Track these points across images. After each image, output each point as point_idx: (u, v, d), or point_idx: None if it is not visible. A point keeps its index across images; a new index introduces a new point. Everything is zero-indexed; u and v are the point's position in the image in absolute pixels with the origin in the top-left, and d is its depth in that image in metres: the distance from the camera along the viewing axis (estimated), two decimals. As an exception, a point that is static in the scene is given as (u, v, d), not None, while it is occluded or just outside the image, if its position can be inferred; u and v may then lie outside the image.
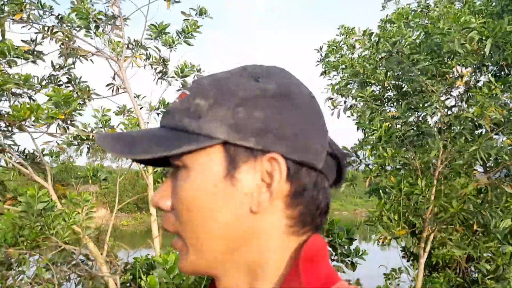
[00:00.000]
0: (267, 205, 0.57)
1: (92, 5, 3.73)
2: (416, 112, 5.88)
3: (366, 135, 5.70)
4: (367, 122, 4.99)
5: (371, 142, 4.79)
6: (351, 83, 7.14)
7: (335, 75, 7.24)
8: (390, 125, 4.84)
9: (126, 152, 0.55)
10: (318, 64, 7.39)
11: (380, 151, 4.56)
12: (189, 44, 4.15)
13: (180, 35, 4.17)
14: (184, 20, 4.27)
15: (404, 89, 6.64)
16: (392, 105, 6.99)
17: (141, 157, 0.55)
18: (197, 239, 0.57)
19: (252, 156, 0.57)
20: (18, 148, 3.65)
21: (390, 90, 6.97)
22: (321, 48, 7.38)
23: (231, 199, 0.56)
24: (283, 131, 0.57)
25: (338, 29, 7.21)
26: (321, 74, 7.41)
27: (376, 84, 6.78)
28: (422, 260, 4.71)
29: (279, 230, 0.59)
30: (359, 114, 6.19)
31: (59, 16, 3.82)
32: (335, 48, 7.08)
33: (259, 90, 0.57)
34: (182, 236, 0.59)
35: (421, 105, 5.19)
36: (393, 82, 6.63)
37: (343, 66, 6.98)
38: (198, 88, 0.59)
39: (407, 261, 7.13)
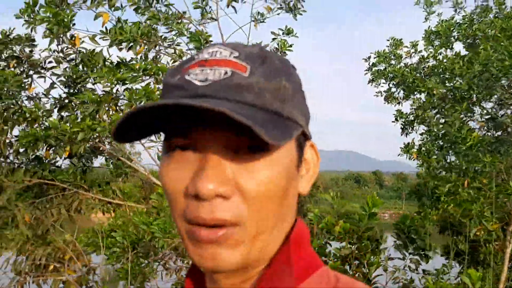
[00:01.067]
0: (307, 190, 0.60)
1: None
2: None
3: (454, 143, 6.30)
4: (455, 131, 5.53)
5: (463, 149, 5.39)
6: (399, 92, 7.67)
7: (383, 83, 7.77)
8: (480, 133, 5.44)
9: (273, 138, 0.47)
10: (366, 73, 7.91)
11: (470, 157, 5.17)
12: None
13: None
14: (273, 39, 4.83)
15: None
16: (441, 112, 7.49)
17: (282, 143, 0.49)
18: (266, 225, 0.53)
19: (305, 143, 0.60)
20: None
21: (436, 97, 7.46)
22: (369, 58, 7.90)
23: (296, 183, 0.58)
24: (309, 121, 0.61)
25: (388, 40, 7.72)
26: (369, 82, 7.95)
27: (425, 91, 7.28)
28: (508, 250, 5.22)
29: (294, 214, 0.60)
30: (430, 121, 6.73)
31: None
32: (385, 58, 7.59)
33: (300, 79, 0.60)
34: (246, 224, 0.52)
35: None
36: (442, 90, 7.12)
37: (392, 75, 7.49)
38: (273, 66, 0.55)
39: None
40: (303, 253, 0.59)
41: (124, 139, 0.55)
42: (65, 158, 3.93)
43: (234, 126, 0.48)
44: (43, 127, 3.59)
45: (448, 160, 7.48)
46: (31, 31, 4.02)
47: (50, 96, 4.48)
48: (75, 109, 4.48)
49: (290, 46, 4.60)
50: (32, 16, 3.96)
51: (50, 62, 4.21)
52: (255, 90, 0.52)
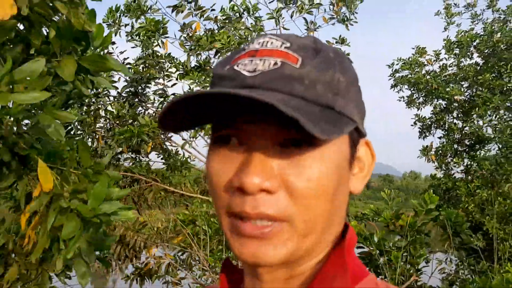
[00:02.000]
0: (359, 190, 0.58)
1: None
2: None
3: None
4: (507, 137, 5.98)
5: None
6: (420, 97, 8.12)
7: (406, 88, 8.22)
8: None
9: (319, 131, 0.45)
10: (390, 79, 8.34)
11: None
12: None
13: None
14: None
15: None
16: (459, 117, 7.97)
17: (331, 137, 0.46)
18: (316, 223, 0.52)
19: (359, 140, 0.57)
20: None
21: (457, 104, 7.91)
22: (392, 64, 8.33)
23: (347, 181, 0.56)
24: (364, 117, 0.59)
25: (413, 48, 8.16)
26: (392, 87, 8.38)
27: (446, 97, 7.73)
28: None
29: (344, 214, 0.59)
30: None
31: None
32: (410, 65, 8.03)
33: (356, 74, 0.57)
34: (294, 221, 0.50)
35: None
36: (461, 97, 7.59)
37: (414, 81, 7.93)
38: (327, 58, 0.53)
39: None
40: (354, 259, 0.58)
41: (170, 127, 0.54)
42: (148, 153, 4.25)
43: (282, 118, 0.45)
44: (137, 124, 3.91)
45: (465, 164, 7.95)
46: (115, 34, 4.33)
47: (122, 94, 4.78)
48: (143, 107, 4.78)
49: (348, 54, 4.98)
50: (115, 21, 4.27)
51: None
52: (306, 82, 0.50)
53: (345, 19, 5.21)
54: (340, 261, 0.55)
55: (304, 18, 4.79)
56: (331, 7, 5.08)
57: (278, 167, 0.50)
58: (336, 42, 5.17)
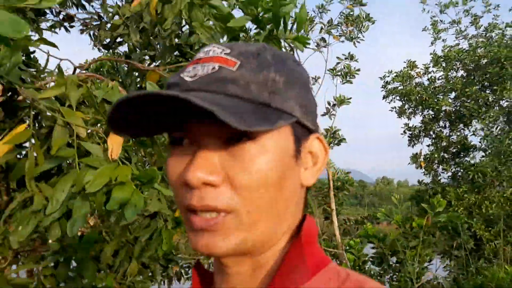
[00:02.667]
0: (312, 182, 0.61)
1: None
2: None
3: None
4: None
5: None
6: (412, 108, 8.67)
7: (397, 99, 8.76)
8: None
9: (242, 123, 0.48)
10: (382, 90, 8.87)
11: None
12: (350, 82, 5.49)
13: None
14: (337, 63, 5.62)
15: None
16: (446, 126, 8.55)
17: (256, 129, 0.49)
18: (260, 213, 0.54)
19: (307, 135, 0.60)
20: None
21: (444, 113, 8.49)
22: (384, 76, 8.86)
23: (295, 174, 0.58)
24: (316, 113, 0.62)
25: (405, 62, 8.72)
26: (383, 98, 8.92)
27: (434, 108, 8.29)
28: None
29: (300, 206, 0.62)
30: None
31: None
32: (402, 77, 8.57)
33: (303, 74, 0.62)
34: (238, 212, 0.53)
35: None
36: (450, 108, 8.16)
37: (406, 93, 8.47)
38: (263, 60, 0.57)
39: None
40: (314, 249, 0.60)
41: (122, 130, 0.58)
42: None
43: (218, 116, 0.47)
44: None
45: (452, 170, 8.51)
46: None
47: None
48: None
49: (358, 70, 5.41)
50: None
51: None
52: (241, 83, 0.53)
53: (353, 37, 5.63)
54: (298, 252, 0.58)
55: (323, 38, 5.19)
56: (342, 26, 5.51)
57: (221, 162, 0.54)
58: (346, 58, 5.58)
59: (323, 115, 5.99)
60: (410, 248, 4.58)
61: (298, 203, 0.61)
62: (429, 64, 8.73)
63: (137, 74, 2.41)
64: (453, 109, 8.39)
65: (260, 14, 1.50)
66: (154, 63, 2.33)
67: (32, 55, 1.78)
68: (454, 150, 8.68)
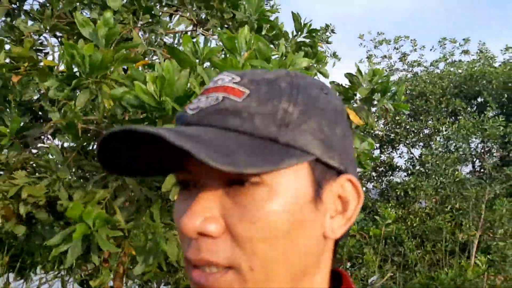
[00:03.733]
0: (339, 233, 0.51)
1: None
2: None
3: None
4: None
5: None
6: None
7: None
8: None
9: (227, 163, 0.41)
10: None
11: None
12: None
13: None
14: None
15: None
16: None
17: (247, 171, 0.42)
18: (266, 271, 0.46)
19: (333, 176, 0.51)
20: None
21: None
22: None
23: (314, 223, 0.49)
24: (351, 152, 0.54)
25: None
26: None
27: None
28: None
29: (329, 259, 0.54)
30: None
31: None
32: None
33: (331, 104, 0.52)
34: (240, 268, 0.45)
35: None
36: (380, 132, 9.29)
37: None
38: (275, 88, 0.49)
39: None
40: None
41: (117, 170, 0.52)
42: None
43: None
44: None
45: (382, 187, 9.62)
46: None
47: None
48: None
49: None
50: None
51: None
52: (244, 115, 0.47)
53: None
54: None
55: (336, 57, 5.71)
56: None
57: (221, 208, 0.46)
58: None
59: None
60: (363, 254, 5.40)
61: (322, 257, 0.52)
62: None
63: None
64: (384, 134, 9.54)
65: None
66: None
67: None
68: (381, 169, 9.82)
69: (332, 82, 2.44)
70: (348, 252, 5.46)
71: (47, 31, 2.41)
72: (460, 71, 9.74)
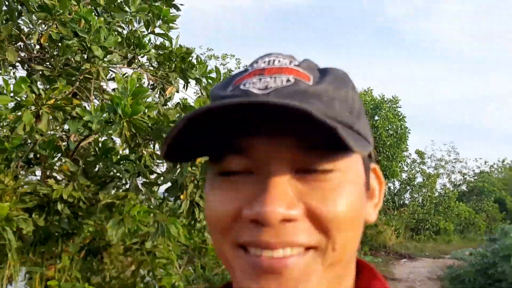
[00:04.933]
0: (373, 218, 0.54)
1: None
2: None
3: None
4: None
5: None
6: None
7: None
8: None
9: (362, 147, 0.44)
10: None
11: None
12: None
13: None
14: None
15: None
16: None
17: (359, 150, 0.41)
18: (345, 250, 0.46)
19: (369, 166, 0.53)
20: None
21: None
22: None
23: (365, 208, 0.51)
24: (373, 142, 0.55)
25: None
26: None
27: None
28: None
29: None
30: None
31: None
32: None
33: (361, 100, 0.53)
34: (322, 248, 0.45)
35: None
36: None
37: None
38: (338, 77, 0.49)
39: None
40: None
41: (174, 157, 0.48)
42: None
43: (301, 138, 0.41)
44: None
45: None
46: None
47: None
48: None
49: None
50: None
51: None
52: (324, 99, 0.45)
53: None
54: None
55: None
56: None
57: (298, 194, 0.45)
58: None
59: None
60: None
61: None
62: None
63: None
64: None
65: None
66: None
67: None
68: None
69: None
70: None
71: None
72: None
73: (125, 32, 3.09)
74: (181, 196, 2.31)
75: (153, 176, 2.71)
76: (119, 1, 2.89)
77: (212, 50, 11.89)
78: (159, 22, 2.94)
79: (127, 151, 2.88)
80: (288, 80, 0.46)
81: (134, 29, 3.08)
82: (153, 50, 3.27)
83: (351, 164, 0.48)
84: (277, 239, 0.43)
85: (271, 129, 0.43)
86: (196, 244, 5.20)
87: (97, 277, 3.30)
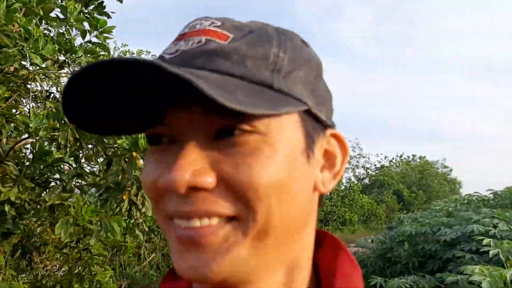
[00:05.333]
0: (329, 188, 0.50)
1: None
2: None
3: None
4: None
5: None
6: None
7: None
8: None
9: (233, 101, 0.36)
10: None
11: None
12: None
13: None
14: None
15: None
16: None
17: (254, 112, 0.37)
18: (269, 221, 0.42)
19: (321, 130, 0.49)
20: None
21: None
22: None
23: (307, 177, 0.47)
24: (331, 107, 0.52)
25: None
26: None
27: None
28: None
29: (314, 219, 0.51)
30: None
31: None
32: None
33: (314, 57, 0.50)
34: (242, 219, 0.42)
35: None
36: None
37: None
38: (263, 34, 0.46)
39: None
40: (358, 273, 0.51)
41: (85, 123, 0.46)
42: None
43: (213, 104, 0.36)
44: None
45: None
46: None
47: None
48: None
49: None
50: None
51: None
52: (234, 58, 0.42)
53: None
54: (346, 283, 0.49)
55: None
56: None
57: (211, 161, 0.42)
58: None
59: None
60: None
61: (312, 214, 0.49)
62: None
63: None
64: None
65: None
66: None
67: None
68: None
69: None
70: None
71: None
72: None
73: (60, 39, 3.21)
74: (124, 197, 2.53)
75: (89, 178, 2.90)
76: (56, 11, 3.02)
77: (127, 45, 11.34)
78: (95, 32, 3.10)
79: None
80: (199, 42, 0.44)
81: (69, 38, 3.20)
82: (84, 56, 3.37)
83: (275, 126, 0.43)
84: (191, 208, 0.41)
85: (185, 95, 0.42)
86: (116, 242, 5.30)
87: (28, 275, 3.40)
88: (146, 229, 5.27)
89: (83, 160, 3.02)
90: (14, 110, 2.56)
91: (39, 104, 3.39)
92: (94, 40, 3.07)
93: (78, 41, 3.19)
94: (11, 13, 2.43)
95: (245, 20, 0.50)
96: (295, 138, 0.45)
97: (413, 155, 30.09)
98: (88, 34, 3.05)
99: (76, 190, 2.83)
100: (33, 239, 3.33)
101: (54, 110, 2.55)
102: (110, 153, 2.71)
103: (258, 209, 0.42)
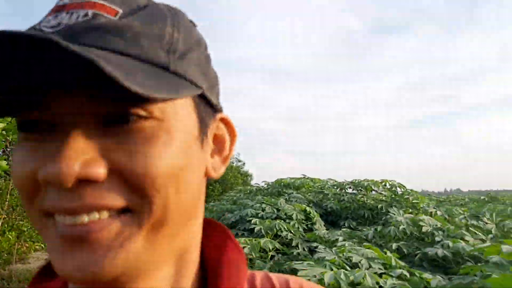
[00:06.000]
0: (220, 173, 0.49)
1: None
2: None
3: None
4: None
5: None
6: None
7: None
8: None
9: (135, 83, 0.33)
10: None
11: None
12: None
13: None
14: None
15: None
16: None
17: (156, 96, 0.34)
18: (166, 211, 0.40)
19: (212, 114, 0.48)
20: None
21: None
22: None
23: (201, 163, 0.45)
24: (219, 89, 0.50)
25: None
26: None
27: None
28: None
29: (202, 206, 0.49)
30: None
31: None
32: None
33: (202, 39, 0.48)
34: (139, 210, 0.38)
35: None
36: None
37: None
38: (156, 11, 0.42)
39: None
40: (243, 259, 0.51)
41: None
42: None
43: (102, 85, 0.33)
44: None
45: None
46: None
47: None
48: None
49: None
50: None
51: None
52: (127, 35, 0.38)
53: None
54: (233, 274, 0.48)
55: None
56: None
57: (101, 150, 0.38)
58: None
59: None
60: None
61: (201, 199, 0.48)
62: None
63: None
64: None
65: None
66: None
67: None
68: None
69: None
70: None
71: None
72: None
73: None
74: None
75: None
76: None
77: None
78: None
79: None
80: (85, 15, 0.38)
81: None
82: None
83: (171, 111, 0.40)
84: (78, 202, 0.36)
85: (70, 75, 0.35)
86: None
87: None
88: None
89: None
90: None
91: None
92: None
93: None
94: None
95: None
96: (190, 124, 0.43)
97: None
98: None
99: None
100: None
101: None
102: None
103: (155, 200, 0.38)
